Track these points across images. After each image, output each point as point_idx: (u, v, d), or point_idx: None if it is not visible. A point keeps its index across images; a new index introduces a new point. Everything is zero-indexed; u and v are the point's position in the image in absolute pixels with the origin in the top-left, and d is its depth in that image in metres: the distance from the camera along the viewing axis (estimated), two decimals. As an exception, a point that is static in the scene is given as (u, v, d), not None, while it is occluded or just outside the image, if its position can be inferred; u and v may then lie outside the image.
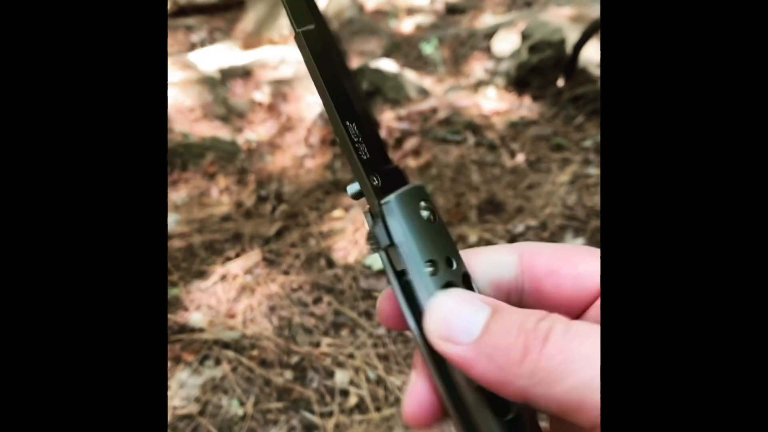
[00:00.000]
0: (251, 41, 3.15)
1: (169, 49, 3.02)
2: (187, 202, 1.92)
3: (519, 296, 0.33)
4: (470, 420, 0.27)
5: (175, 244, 1.70)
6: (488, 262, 0.32)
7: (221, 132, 2.28)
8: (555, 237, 1.67)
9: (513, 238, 1.67)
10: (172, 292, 1.54)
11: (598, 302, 0.30)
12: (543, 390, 0.23)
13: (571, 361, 0.23)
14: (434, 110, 2.29)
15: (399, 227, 0.28)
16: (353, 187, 0.30)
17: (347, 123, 0.29)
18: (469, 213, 1.78)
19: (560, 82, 2.39)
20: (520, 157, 2.04)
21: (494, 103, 2.38)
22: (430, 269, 0.28)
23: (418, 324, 0.28)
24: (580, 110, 2.23)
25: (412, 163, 2.02)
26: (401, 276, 0.28)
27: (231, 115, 2.42)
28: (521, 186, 1.90)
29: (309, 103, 2.47)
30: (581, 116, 2.21)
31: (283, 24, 3.19)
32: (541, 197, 1.83)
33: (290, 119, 2.41)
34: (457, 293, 0.28)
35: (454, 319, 0.26)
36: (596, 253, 0.31)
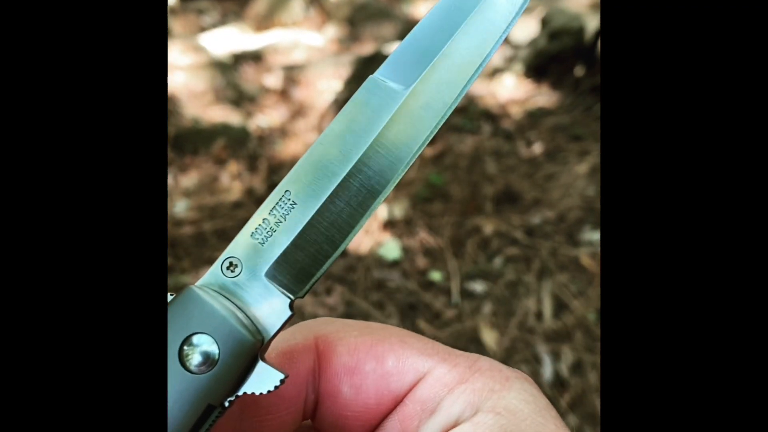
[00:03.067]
0: (263, 24, 3.11)
1: (180, 32, 2.99)
2: (198, 188, 1.90)
3: (315, 398, 0.26)
4: None
5: (185, 230, 1.68)
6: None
7: (232, 117, 2.25)
8: (573, 229, 1.64)
9: (530, 230, 1.64)
10: (182, 278, 1.52)
11: (399, 412, 0.25)
12: None
13: None
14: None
15: None
16: None
17: None
18: (485, 204, 1.75)
19: (579, 71, 2.34)
20: (538, 147, 2.00)
21: (511, 91, 2.34)
22: None
23: None
24: (600, 100, 2.19)
25: (426, 151, 1.98)
26: None
27: (242, 100, 2.40)
28: (538, 177, 1.86)
29: (321, 90, 2.43)
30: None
31: (296, 7, 3.15)
32: (558, 188, 1.80)
33: (302, 105, 2.38)
34: None
35: None
36: (407, 340, 0.26)
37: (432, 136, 0.25)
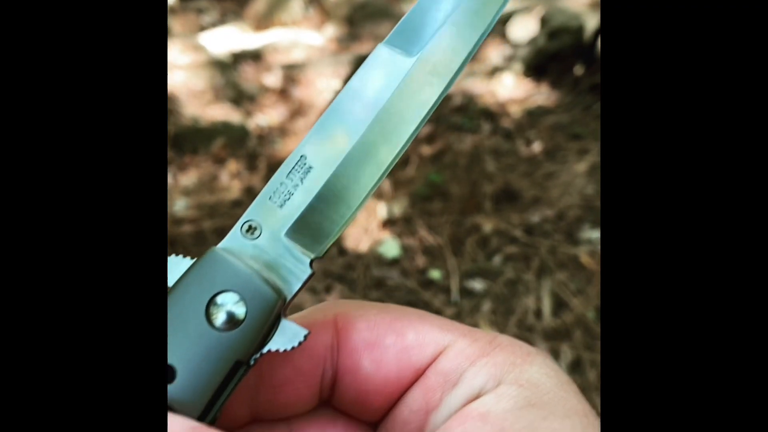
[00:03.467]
0: (262, 23, 3.11)
1: (180, 32, 2.99)
2: (198, 187, 1.90)
3: (333, 375, 0.26)
4: None
5: (185, 229, 1.68)
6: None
7: (232, 116, 2.25)
8: (572, 228, 1.64)
9: (529, 228, 1.64)
10: (181, 277, 1.52)
11: (421, 384, 0.25)
12: None
13: None
14: (448, 97, 2.25)
15: None
16: None
17: None
18: (484, 202, 1.75)
19: (578, 70, 2.34)
20: (537, 146, 2.00)
21: (510, 90, 2.34)
22: None
23: None
24: (599, 99, 2.19)
25: (425, 150, 1.98)
26: None
27: (242, 99, 2.40)
28: (537, 175, 1.86)
29: (320, 89, 2.43)
30: (599, 105, 2.16)
31: (295, 6, 3.15)
32: (557, 187, 1.80)
33: (302, 104, 2.38)
34: None
35: None
36: (426, 317, 0.26)
37: (439, 101, 0.26)
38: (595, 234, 1.61)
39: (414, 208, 1.72)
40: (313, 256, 0.25)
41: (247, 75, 2.62)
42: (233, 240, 0.25)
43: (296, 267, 0.25)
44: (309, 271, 0.25)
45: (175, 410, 0.22)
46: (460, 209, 1.72)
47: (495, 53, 2.74)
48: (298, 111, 2.35)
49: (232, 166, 2.00)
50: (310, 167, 0.25)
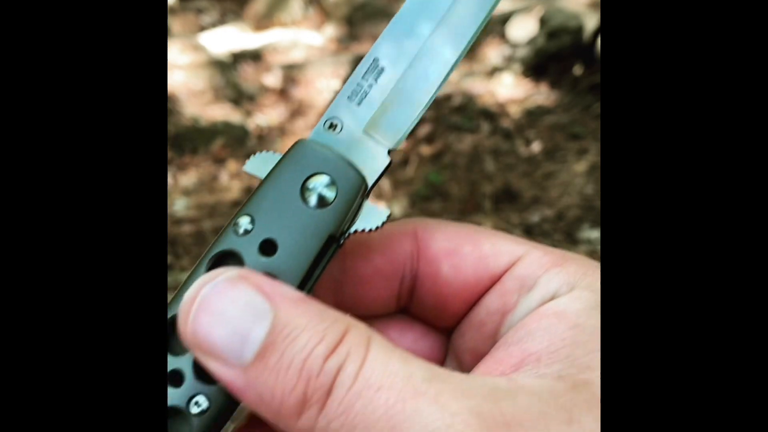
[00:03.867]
0: (262, 23, 3.11)
1: (179, 31, 2.99)
2: (198, 187, 1.90)
3: (412, 281, 0.29)
4: None
5: (185, 229, 1.68)
6: (376, 241, 0.27)
7: (232, 116, 2.25)
8: (571, 228, 1.64)
9: (528, 228, 1.64)
10: (181, 276, 1.52)
11: (498, 288, 0.27)
12: None
13: (350, 427, 0.19)
14: (448, 97, 2.25)
15: None
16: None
17: None
18: (483, 202, 1.75)
19: (578, 70, 2.35)
20: (536, 146, 2.00)
21: (510, 90, 2.34)
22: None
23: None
24: (598, 98, 2.19)
25: (425, 150, 1.99)
26: None
27: (241, 98, 2.40)
28: (537, 175, 1.87)
29: (320, 89, 2.43)
30: (599, 105, 2.17)
31: (294, 6, 3.15)
32: (557, 187, 1.80)
33: (301, 104, 2.38)
34: (230, 278, 0.22)
35: (220, 327, 0.21)
36: (500, 233, 0.29)
37: (496, 6, 0.28)
38: (594, 234, 1.61)
39: (414, 208, 1.72)
40: (390, 147, 0.28)
41: (247, 75, 2.62)
42: (317, 135, 0.28)
43: (376, 156, 0.27)
44: (387, 160, 0.27)
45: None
46: (460, 209, 1.73)
47: (494, 53, 2.74)
48: (297, 111, 2.35)
49: (232, 166, 2.00)
50: (383, 68, 0.28)
